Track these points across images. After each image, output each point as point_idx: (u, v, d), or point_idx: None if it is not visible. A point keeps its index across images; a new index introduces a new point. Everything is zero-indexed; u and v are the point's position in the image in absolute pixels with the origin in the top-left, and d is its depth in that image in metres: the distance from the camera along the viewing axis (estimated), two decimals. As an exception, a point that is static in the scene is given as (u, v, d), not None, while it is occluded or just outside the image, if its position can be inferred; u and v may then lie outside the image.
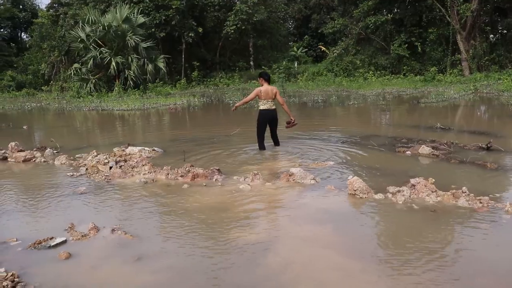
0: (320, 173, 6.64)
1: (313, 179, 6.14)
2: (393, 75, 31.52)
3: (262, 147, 8.73)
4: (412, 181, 5.46)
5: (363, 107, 18.29)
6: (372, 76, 31.02)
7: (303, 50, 43.71)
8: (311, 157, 8.01)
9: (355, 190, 5.39)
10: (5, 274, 3.52)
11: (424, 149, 7.87)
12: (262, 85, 8.68)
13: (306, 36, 47.69)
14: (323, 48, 41.05)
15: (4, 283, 3.36)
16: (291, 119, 8.98)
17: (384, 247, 4.01)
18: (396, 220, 4.73)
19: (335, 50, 35.03)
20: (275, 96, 8.66)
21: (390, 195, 5.33)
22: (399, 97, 21.80)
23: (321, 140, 9.77)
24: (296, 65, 39.80)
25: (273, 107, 8.68)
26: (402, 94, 22.86)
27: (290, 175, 6.20)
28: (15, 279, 3.47)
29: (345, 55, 34.88)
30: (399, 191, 5.38)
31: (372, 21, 32.04)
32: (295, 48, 43.18)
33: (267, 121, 8.70)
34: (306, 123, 12.73)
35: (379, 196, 5.33)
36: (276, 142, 9.02)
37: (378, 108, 17.31)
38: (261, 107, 8.67)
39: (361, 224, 4.58)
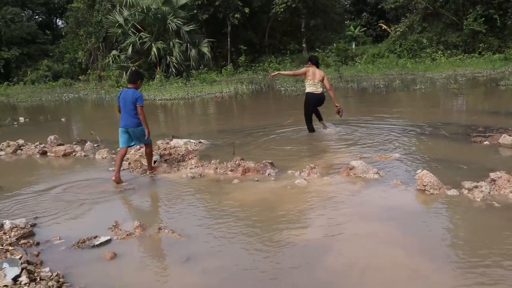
0: (385, 166, 6.55)
1: (377, 173, 6.08)
2: (466, 54, 30.36)
3: (311, 129, 9.52)
4: (492, 175, 5.28)
5: (431, 91, 17.79)
6: (441, 57, 30.03)
7: (361, 30, 43.00)
8: (374, 148, 7.92)
9: (424, 186, 5.29)
10: (50, 274, 3.72)
11: (506, 139, 7.56)
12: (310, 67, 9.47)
13: (364, 13, 46.84)
14: (384, 26, 40.13)
15: (50, 283, 3.55)
16: (336, 105, 9.56)
17: (458, 249, 3.92)
18: (473, 219, 4.61)
19: (398, 28, 34.16)
20: (323, 79, 9.28)
21: (465, 191, 5.18)
22: (474, 79, 21.03)
23: (385, 129, 9.60)
24: (353, 46, 39.23)
25: (319, 90, 9.32)
26: (478, 76, 22.03)
27: (350, 169, 6.16)
28: (60, 280, 3.66)
29: (409, 34, 33.95)
30: (476, 187, 5.22)
31: (442, -8, 30.96)
32: (352, 28, 42.53)
33: (313, 104, 9.37)
34: (367, 110, 12.57)
35: (453, 192, 5.20)
36: (319, 117, 9.63)
37: (448, 93, 16.78)
38: (307, 90, 9.42)
39: (432, 223, 4.50)
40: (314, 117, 9.55)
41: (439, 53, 30.63)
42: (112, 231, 4.74)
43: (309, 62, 9.59)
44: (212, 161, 7.19)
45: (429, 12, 33.79)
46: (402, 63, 29.70)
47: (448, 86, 18.70)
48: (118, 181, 6.57)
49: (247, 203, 5.40)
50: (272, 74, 10.11)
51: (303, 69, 9.65)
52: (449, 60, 29.06)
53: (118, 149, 6.98)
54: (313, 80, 9.26)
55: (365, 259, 3.79)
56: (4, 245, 4.34)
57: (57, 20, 56.98)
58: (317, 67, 9.51)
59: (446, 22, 33.15)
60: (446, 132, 8.79)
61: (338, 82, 22.92)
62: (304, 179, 6.07)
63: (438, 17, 33.77)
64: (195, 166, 7.17)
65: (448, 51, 31.02)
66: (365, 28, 44.79)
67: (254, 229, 4.61)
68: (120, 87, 27.38)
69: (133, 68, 28.32)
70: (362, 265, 3.70)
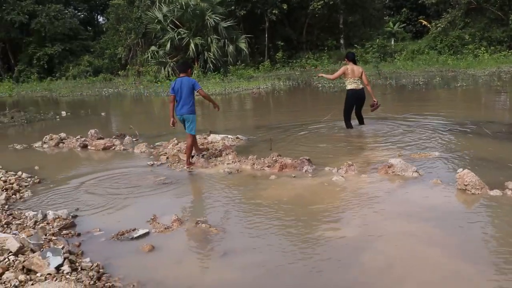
0: (424, 165, 6.42)
1: (416, 171, 5.96)
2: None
3: (349, 125, 9.56)
4: (538, 175, 5.11)
5: (473, 89, 17.34)
6: (484, 53, 29.15)
7: (401, 26, 42.18)
8: (413, 146, 7.77)
9: (465, 185, 5.16)
10: (91, 265, 3.82)
11: (552, 138, 7.31)
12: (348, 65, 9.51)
13: (404, 9, 45.94)
14: (424, 22, 39.29)
15: (90, 274, 3.64)
16: (374, 101, 9.54)
17: (500, 250, 3.80)
18: (517, 221, 4.46)
19: (439, 24, 33.34)
20: (361, 75, 9.34)
21: (509, 192, 5.03)
22: (519, 77, 20.37)
23: (424, 127, 9.39)
24: (392, 42, 38.56)
25: (360, 86, 9.37)
26: (523, 73, 21.33)
27: (389, 167, 6.06)
28: (100, 270, 3.76)
29: (451, 30, 33.12)
30: (521, 187, 5.07)
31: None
32: (391, 24, 41.79)
33: (354, 101, 9.42)
34: (405, 108, 12.35)
35: (496, 192, 5.05)
36: (361, 121, 9.69)
37: (491, 90, 16.32)
38: (348, 87, 9.45)
39: (473, 223, 4.38)
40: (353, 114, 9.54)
41: (482, 49, 29.75)
42: (150, 224, 4.82)
43: (346, 59, 9.66)
44: (249, 156, 7.21)
45: (472, 7, 32.81)
46: (442, 60, 29.02)
47: (491, 84, 18.18)
48: (189, 165, 7.18)
49: (284, 199, 5.39)
50: (319, 74, 11.21)
51: (341, 70, 9.54)
52: (493, 57, 28.19)
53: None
54: (353, 78, 9.31)
55: (403, 259, 3.74)
56: (47, 234, 4.48)
57: (98, 17, 58.63)
58: (354, 63, 9.53)
59: (490, 17, 32.14)
60: (488, 130, 8.53)
61: (377, 78, 22.58)
62: (342, 176, 6.01)
63: (482, 12, 32.76)
64: (232, 162, 7.21)
65: (492, 47, 30.10)
66: (405, 24, 43.93)
67: (291, 226, 4.60)
68: (159, 82, 27.78)
69: (171, 64, 28.70)
70: (400, 264, 3.65)
